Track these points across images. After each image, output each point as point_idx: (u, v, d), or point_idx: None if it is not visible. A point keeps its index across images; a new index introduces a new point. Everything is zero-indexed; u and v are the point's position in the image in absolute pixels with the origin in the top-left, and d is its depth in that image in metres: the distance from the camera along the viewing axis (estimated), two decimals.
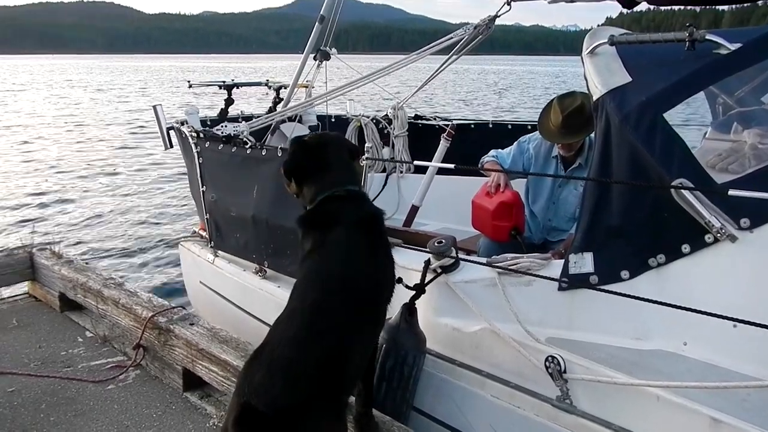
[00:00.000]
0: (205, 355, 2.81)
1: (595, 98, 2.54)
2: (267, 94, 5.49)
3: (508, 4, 3.95)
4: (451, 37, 4.21)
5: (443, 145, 4.57)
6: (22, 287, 4.26)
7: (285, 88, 5.32)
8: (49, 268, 3.94)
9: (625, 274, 2.38)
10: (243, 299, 3.81)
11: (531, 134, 3.81)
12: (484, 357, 2.57)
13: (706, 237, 2.19)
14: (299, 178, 2.24)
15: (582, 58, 2.75)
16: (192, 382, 2.93)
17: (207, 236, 4.16)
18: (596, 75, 2.59)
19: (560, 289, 2.49)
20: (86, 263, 4.12)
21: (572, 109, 3.29)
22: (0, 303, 4.08)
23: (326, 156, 2.24)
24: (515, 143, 3.81)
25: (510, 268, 2.55)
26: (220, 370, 2.74)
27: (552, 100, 3.49)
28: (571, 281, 2.45)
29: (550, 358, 2.33)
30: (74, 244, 8.29)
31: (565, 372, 2.30)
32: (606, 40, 2.65)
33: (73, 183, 12.84)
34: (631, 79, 2.49)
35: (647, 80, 2.48)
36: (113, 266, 7.02)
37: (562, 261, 2.54)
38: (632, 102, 2.39)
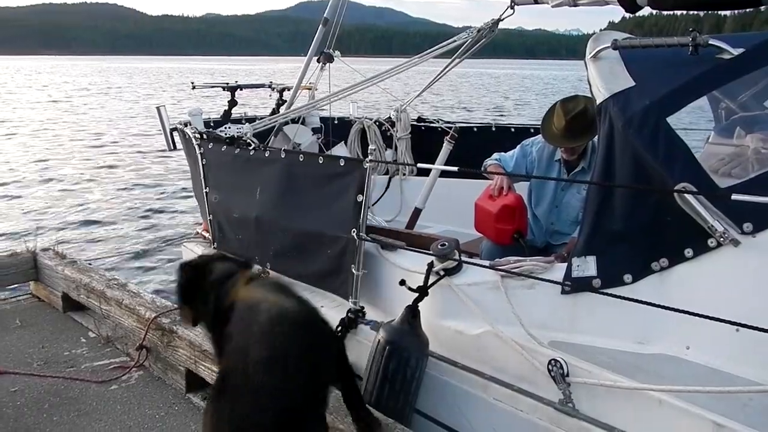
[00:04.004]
0: (208, 356, 2.81)
1: (598, 102, 2.55)
2: (270, 96, 5.50)
3: (512, 7, 3.97)
4: (455, 40, 4.23)
5: (446, 148, 4.58)
6: (26, 288, 4.27)
7: (288, 90, 5.34)
8: (52, 268, 3.95)
9: (627, 277, 2.39)
10: None
11: (534, 137, 3.81)
12: (487, 360, 2.58)
13: (709, 241, 2.20)
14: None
15: (585, 62, 2.76)
16: (195, 383, 2.94)
17: (210, 237, 4.17)
18: (599, 79, 2.60)
19: (563, 292, 2.50)
20: (89, 264, 4.13)
21: (575, 113, 3.30)
22: (3, 303, 4.09)
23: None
24: (518, 146, 3.82)
25: (513, 271, 2.56)
26: None
27: (555, 103, 3.49)
28: (574, 285, 2.46)
29: (552, 361, 2.33)
30: (77, 246, 8.29)
31: (567, 375, 2.31)
32: (609, 44, 2.66)
33: (76, 184, 12.87)
34: (634, 83, 2.50)
35: (651, 84, 2.49)
36: (116, 267, 7.03)
37: (565, 264, 2.54)
38: (635, 106, 2.40)
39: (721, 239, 2.16)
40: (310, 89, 5.21)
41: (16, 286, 4.27)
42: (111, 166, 14.95)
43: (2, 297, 4.19)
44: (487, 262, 2.75)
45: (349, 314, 3.01)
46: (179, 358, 2.98)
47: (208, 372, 2.82)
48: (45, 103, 33.50)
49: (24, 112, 28.19)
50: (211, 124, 4.83)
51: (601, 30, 3.37)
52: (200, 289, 2.18)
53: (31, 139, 19.13)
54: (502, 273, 2.60)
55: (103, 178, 13.60)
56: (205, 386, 2.91)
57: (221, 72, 72.51)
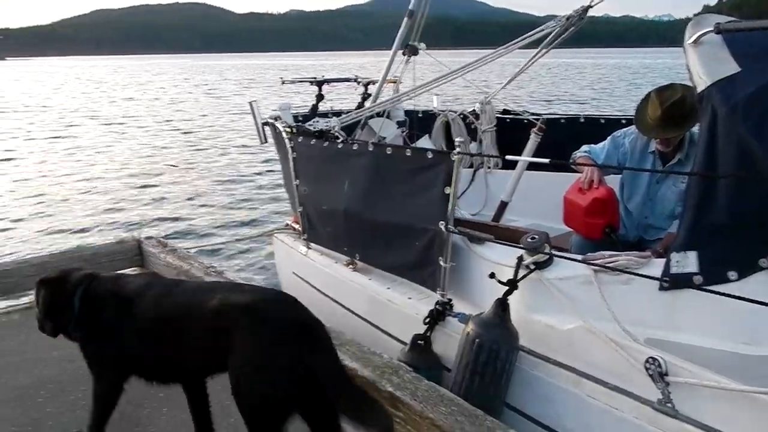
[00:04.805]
0: None
1: (699, 90, 2.44)
2: (356, 89, 5.59)
3: None
4: (543, 30, 4.14)
5: (534, 140, 4.49)
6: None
7: (373, 83, 5.40)
8: (155, 255, 4.21)
9: (732, 274, 2.28)
10: (334, 290, 3.92)
11: (626, 128, 3.68)
12: (579, 355, 2.53)
13: None
14: None
15: (684, 48, 2.64)
16: None
17: (300, 229, 4.31)
18: (701, 65, 2.48)
19: (661, 288, 2.41)
20: (188, 252, 4.37)
21: (672, 102, 3.16)
22: None
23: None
24: (609, 138, 3.70)
25: (607, 265, 2.50)
26: None
27: (650, 92, 3.35)
28: (673, 281, 2.37)
29: (650, 359, 2.26)
30: (175, 234, 8.83)
31: (666, 374, 2.23)
32: (712, 28, 2.53)
33: (174, 177, 13.71)
34: (740, 69, 2.37)
35: (757, 69, 2.35)
36: (212, 256, 7.40)
37: (663, 260, 2.46)
38: (741, 92, 2.28)
39: None
40: (394, 82, 5.25)
41: (123, 271, 4.56)
42: (205, 161, 15.75)
43: None
44: (579, 256, 2.69)
45: (437, 306, 3.03)
46: None
47: None
48: (145, 101, 35.57)
49: (125, 109, 30.03)
50: (300, 119, 4.97)
51: (694, 15, 3.20)
52: (62, 297, 2.33)
53: (132, 136, 20.41)
54: (596, 267, 2.55)
55: (199, 172, 14.36)
56: None
57: (304, 67, 74.20)
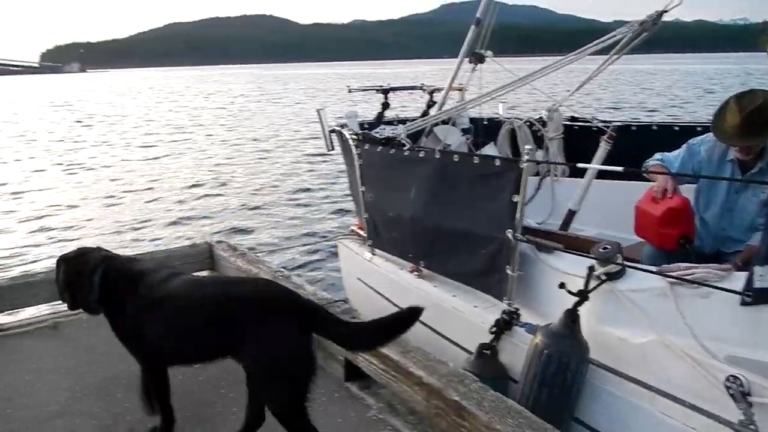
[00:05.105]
0: None
1: None
2: (421, 97, 5.61)
3: None
4: (614, 35, 4.04)
5: (603, 148, 4.38)
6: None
7: (438, 91, 5.41)
8: (226, 259, 4.33)
9: None
10: (398, 297, 3.93)
11: (702, 136, 3.54)
12: (653, 370, 2.45)
13: None
14: None
15: None
16: (353, 372, 3.08)
17: (365, 235, 4.35)
18: None
19: (743, 303, 2.30)
20: (257, 256, 4.48)
21: (753, 109, 3.01)
22: None
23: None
24: (684, 146, 3.56)
25: (685, 278, 2.40)
26: (380, 363, 2.85)
27: (728, 99, 3.20)
28: (756, 295, 2.25)
29: (731, 377, 2.16)
30: (243, 239, 9.10)
31: (749, 394, 2.12)
32: None
33: (242, 183, 14.17)
34: None
35: None
36: (277, 259, 7.57)
37: (744, 273, 2.34)
38: None
39: None
40: (460, 90, 5.24)
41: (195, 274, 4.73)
42: (273, 168, 16.16)
43: None
44: (654, 268, 2.60)
45: (503, 315, 3.00)
46: (339, 348, 3.13)
47: (366, 363, 2.95)
48: (214, 110, 36.90)
49: (196, 118, 31.21)
50: (365, 126, 5.03)
51: None
52: (81, 275, 2.44)
53: (202, 144, 21.20)
54: (672, 280, 2.45)
55: (267, 178, 14.78)
56: (362, 376, 3.05)
57: (366, 76, 75.05)
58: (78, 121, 31.85)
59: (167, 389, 2.50)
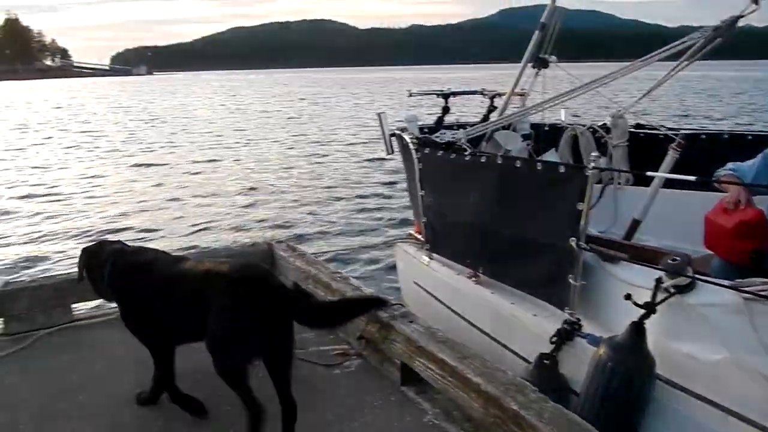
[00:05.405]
0: (423, 353, 2.93)
1: None
2: (482, 102, 5.57)
3: (756, 2, 3.57)
4: (685, 41, 3.91)
5: (671, 156, 4.23)
6: None
7: (499, 96, 5.36)
8: (285, 259, 4.40)
9: None
10: (456, 302, 3.91)
11: None
12: (725, 390, 2.34)
13: None
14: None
15: None
16: (409, 376, 3.07)
17: (423, 239, 4.34)
18: None
19: None
20: (316, 257, 4.54)
21: None
22: None
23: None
24: (760, 155, 3.42)
25: (763, 294, 2.29)
26: (437, 368, 2.84)
27: None
28: None
29: None
30: (302, 240, 9.25)
31: None
32: None
33: (301, 185, 14.44)
34: None
35: None
36: (334, 261, 7.67)
37: None
38: None
39: None
40: (522, 95, 5.18)
41: None
42: (332, 170, 16.40)
43: None
44: (727, 282, 2.49)
45: (565, 325, 2.94)
46: (395, 352, 3.14)
47: (423, 367, 2.94)
48: (274, 112, 37.72)
49: (257, 121, 31.96)
50: (425, 130, 5.02)
51: None
52: (96, 266, 2.77)
53: (263, 146, 21.68)
54: (747, 295, 2.34)
55: (326, 180, 15.03)
56: (418, 381, 3.04)
57: (423, 81, 75.07)
58: (143, 122, 33.16)
59: (172, 367, 2.76)
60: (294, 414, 2.53)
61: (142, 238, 9.67)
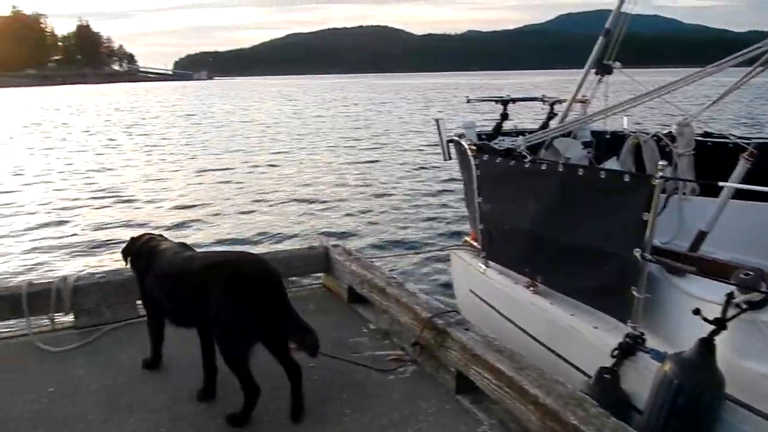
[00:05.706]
0: (480, 361, 2.90)
1: None
2: (542, 108, 5.48)
3: None
4: (761, 46, 3.75)
5: (742, 166, 4.04)
6: (318, 278, 4.87)
7: (559, 102, 5.26)
8: (341, 263, 4.44)
9: None
10: (512, 311, 3.85)
11: None
12: None
13: None
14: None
15: None
16: (464, 385, 3.04)
17: (479, 246, 4.30)
18: None
19: None
20: (371, 261, 4.56)
21: None
22: (301, 289, 4.73)
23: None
24: None
25: None
26: (494, 378, 2.80)
27: None
28: None
29: None
30: (357, 244, 9.33)
31: None
32: None
33: (358, 190, 14.64)
34: None
35: None
36: (389, 266, 7.67)
37: None
38: None
39: None
40: (584, 102, 5.06)
41: (311, 275, 4.89)
42: (387, 176, 16.56)
43: (300, 284, 4.85)
44: None
45: (627, 339, 2.85)
46: (451, 359, 3.12)
47: (479, 376, 2.91)
48: (329, 118, 38.28)
49: (313, 126, 32.44)
50: (483, 137, 4.98)
51: None
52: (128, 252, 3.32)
53: (319, 151, 22.00)
54: None
55: (381, 185, 15.20)
56: (473, 390, 3.00)
57: (479, 86, 74.66)
58: (204, 126, 34.18)
59: (161, 334, 3.27)
60: (299, 372, 2.84)
61: (202, 243, 9.94)
